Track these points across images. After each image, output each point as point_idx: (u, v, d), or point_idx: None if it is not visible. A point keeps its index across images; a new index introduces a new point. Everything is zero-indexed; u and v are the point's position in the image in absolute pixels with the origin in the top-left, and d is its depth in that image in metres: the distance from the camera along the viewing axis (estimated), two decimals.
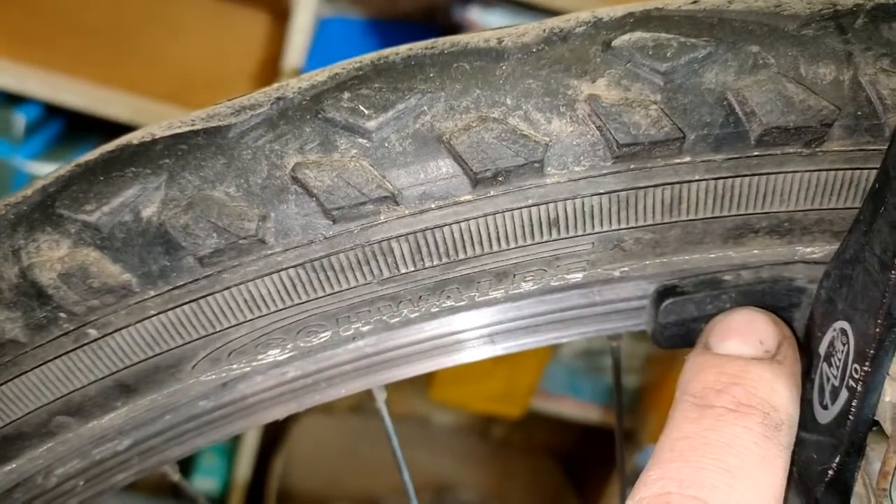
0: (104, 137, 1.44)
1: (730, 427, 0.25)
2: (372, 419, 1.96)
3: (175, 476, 0.35)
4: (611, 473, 1.79)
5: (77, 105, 1.33)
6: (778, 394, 0.26)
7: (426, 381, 1.68)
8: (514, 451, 2.05)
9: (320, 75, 0.27)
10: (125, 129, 1.38)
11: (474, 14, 1.29)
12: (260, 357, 0.29)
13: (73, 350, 0.27)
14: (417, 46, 0.27)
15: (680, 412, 0.26)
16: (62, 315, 0.26)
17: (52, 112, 1.40)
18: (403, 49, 0.27)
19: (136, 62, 1.34)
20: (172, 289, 0.26)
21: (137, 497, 1.43)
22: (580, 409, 1.73)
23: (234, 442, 1.65)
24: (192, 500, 1.56)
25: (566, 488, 1.98)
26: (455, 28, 1.30)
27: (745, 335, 0.28)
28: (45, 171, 1.35)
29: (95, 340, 0.27)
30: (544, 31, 0.27)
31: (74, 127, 1.46)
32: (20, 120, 1.34)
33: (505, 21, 1.30)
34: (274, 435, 1.80)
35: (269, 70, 1.36)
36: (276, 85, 0.27)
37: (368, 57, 0.27)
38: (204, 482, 1.65)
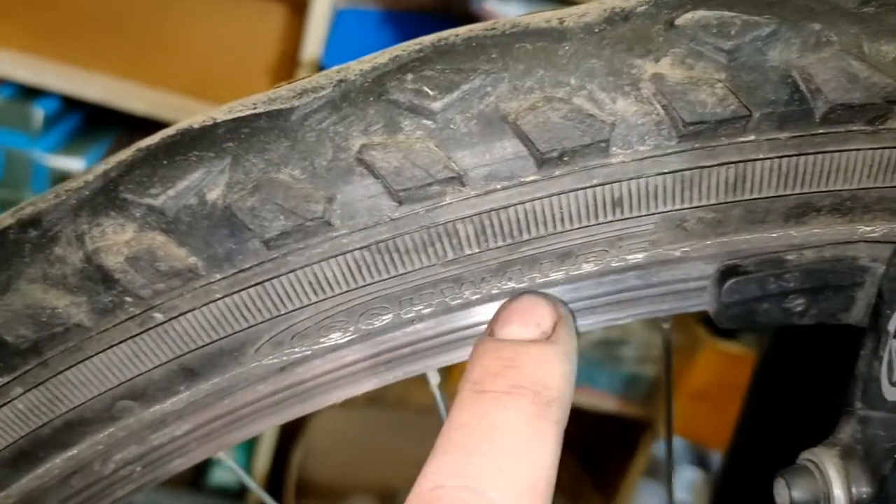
0: (122, 131, 1.45)
1: (502, 410, 0.26)
2: (389, 411, 1.97)
3: (229, 462, 0.35)
4: (627, 464, 1.79)
5: (95, 98, 1.33)
6: (550, 373, 0.27)
7: (444, 372, 1.68)
8: None
9: (381, 58, 0.27)
10: (143, 122, 1.38)
11: (491, 5, 1.29)
12: (322, 340, 0.29)
13: (138, 334, 0.27)
14: (477, 28, 0.27)
15: (459, 400, 0.27)
16: (128, 299, 0.26)
17: (70, 105, 1.41)
18: (463, 31, 0.27)
19: (153, 55, 1.35)
20: (238, 272, 0.26)
21: (157, 491, 1.44)
22: (597, 398, 1.73)
23: None
24: (214, 493, 1.56)
25: (582, 478, 1.99)
26: (472, 20, 1.30)
27: (523, 318, 0.28)
28: (64, 164, 1.37)
29: (161, 324, 0.27)
30: (605, 10, 0.27)
31: (92, 120, 1.46)
32: (38, 113, 1.34)
33: (522, 12, 1.29)
34: (292, 427, 1.81)
35: (288, 62, 1.36)
36: (336, 68, 0.27)
37: (428, 39, 0.27)
38: (224, 475, 1.66)
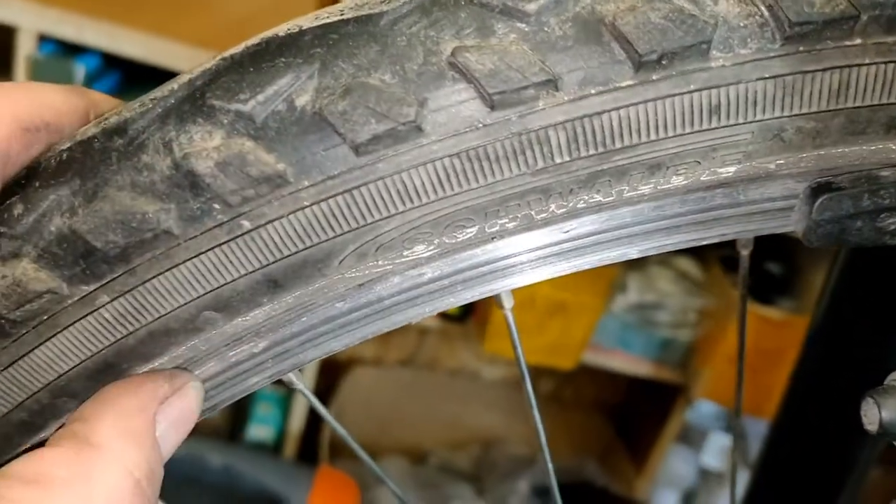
0: None
1: None
2: (420, 373, 1.98)
3: (299, 385, 0.35)
4: (660, 427, 1.79)
5: (135, 55, 1.34)
6: None
7: (479, 333, 1.68)
8: (563, 406, 2.06)
9: None
10: None
11: None
12: (405, 253, 0.29)
13: (226, 242, 0.27)
14: None
15: None
16: (216, 206, 0.26)
17: (110, 63, 1.41)
18: None
19: (194, 12, 1.34)
20: (326, 179, 0.26)
21: (195, 445, 1.46)
22: (631, 363, 1.73)
23: (288, 392, 1.68)
24: (250, 449, 1.58)
25: (615, 442, 1.99)
26: None
27: None
28: None
29: (248, 232, 0.27)
30: None
31: (132, 78, 1.46)
32: (80, 70, 1.35)
33: None
34: (326, 386, 1.83)
35: None
36: None
37: None
38: (260, 430, 1.68)
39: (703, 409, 1.77)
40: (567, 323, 1.56)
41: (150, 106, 0.27)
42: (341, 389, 1.86)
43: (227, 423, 1.74)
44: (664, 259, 1.70)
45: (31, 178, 0.28)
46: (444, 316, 1.68)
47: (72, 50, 1.36)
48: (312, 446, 1.74)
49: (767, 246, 1.65)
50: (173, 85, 0.27)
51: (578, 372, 1.74)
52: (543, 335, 1.57)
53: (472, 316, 1.75)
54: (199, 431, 1.70)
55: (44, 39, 1.34)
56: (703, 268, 1.70)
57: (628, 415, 2.02)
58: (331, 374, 1.92)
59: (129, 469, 0.26)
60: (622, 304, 1.66)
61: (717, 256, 1.72)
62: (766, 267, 1.67)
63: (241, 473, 1.44)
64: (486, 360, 1.98)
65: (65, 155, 0.27)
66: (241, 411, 1.72)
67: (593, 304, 1.57)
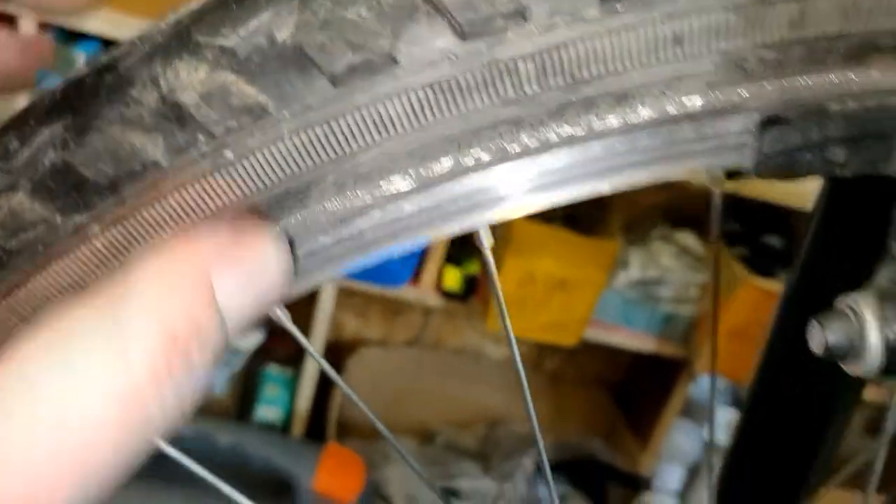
0: None
1: None
2: (426, 352, 1.99)
3: (288, 324, 0.36)
4: (663, 402, 1.80)
5: None
6: None
7: (482, 312, 1.70)
8: (566, 383, 2.07)
9: None
10: None
11: None
12: (382, 184, 0.30)
13: (210, 172, 0.28)
14: None
15: None
16: (201, 137, 0.28)
17: (109, 48, 1.42)
18: None
19: None
20: (305, 110, 0.27)
21: (203, 424, 1.48)
22: (634, 338, 1.74)
23: (295, 374, 1.70)
24: (259, 429, 1.59)
25: (618, 419, 2.00)
26: None
27: None
28: None
29: (232, 163, 0.28)
30: None
31: None
32: (80, 56, 1.36)
33: None
34: (332, 367, 1.84)
35: None
36: None
37: None
38: (268, 412, 1.70)
39: (706, 383, 1.78)
40: (568, 299, 1.57)
41: (139, 45, 0.28)
42: (347, 370, 1.88)
43: (235, 405, 1.76)
44: (666, 234, 1.71)
45: (26, 115, 0.29)
46: (447, 295, 1.69)
47: (72, 36, 1.37)
48: (319, 428, 1.76)
49: (767, 219, 1.66)
50: (161, 25, 0.28)
51: (581, 348, 1.75)
52: (545, 312, 1.58)
53: (475, 295, 1.77)
54: (208, 412, 1.72)
55: (43, 26, 1.35)
56: (704, 243, 1.71)
57: (631, 390, 2.03)
58: (336, 355, 1.94)
59: (164, 320, 0.23)
60: (624, 280, 1.67)
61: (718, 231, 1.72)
62: (767, 240, 1.68)
63: (248, 452, 1.46)
64: (490, 339, 1.99)
65: (58, 93, 0.29)
66: (248, 393, 1.75)
67: (595, 280, 1.58)
